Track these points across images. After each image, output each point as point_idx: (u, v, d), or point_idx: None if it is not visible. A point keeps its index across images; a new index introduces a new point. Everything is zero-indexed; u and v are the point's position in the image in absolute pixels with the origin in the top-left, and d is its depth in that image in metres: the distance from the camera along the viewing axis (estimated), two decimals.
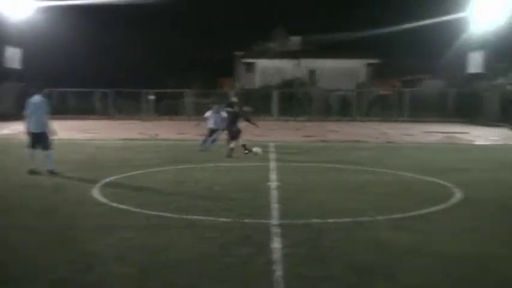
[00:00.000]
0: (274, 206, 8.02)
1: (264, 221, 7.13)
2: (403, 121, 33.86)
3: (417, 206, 8.00)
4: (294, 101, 37.37)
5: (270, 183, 10.14)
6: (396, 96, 38.12)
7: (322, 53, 43.31)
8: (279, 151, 15.80)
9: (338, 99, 38.65)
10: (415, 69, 44.01)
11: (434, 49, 41.16)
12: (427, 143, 19.95)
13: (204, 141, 16.25)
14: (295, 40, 48.12)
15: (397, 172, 11.78)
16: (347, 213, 7.52)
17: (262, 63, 44.49)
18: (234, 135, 14.59)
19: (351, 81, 40.59)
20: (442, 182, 10.39)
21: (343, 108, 37.80)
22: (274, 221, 7.12)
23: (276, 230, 6.60)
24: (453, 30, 36.24)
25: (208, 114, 16.53)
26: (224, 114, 15.93)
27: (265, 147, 16.10)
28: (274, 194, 9.01)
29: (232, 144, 14.36)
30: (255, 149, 14.16)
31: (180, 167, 12.53)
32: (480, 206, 8.31)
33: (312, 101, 37.77)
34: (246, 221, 7.12)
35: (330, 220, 7.15)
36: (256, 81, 43.17)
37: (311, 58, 43.07)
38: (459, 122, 32.64)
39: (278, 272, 5.12)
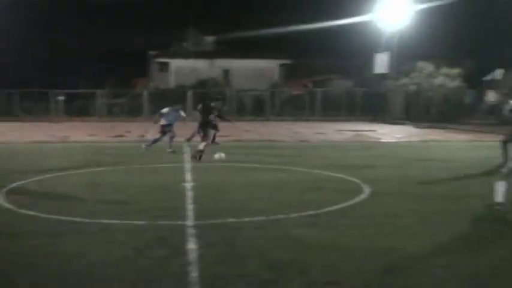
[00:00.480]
0: (190, 207, 8.01)
1: (179, 222, 7.10)
2: (315, 120, 34.79)
3: (329, 203, 8.27)
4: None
5: (185, 183, 10.10)
6: (308, 96, 39.14)
7: (236, 53, 43.61)
8: (193, 151, 15.69)
9: (252, 99, 39.09)
10: (326, 70, 45.40)
11: (344, 50, 42.73)
12: (338, 141, 20.65)
13: (155, 140, 16.04)
14: (210, 40, 48.11)
15: (310, 170, 12.11)
16: (262, 212, 7.65)
17: (176, 63, 44.08)
18: (206, 136, 14.12)
19: (264, 81, 41.16)
20: (352, 178, 10.80)
21: (257, 108, 38.28)
22: (190, 221, 7.11)
23: (191, 231, 6.60)
24: (361, 31, 37.77)
25: (165, 110, 16.16)
26: (183, 113, 16.06)
27: (180, 148, 15.99)
28: (189, 195, 8.99)
29: (201, 146, 13.85)
30: (217, 155, 13.39)
31: (91, 169, 12.18)
32: (387, 201, 8.74)
33: (226, 101, 37.91)
34: (160, 222, 7.06)
35: (246, 219, 7.25)
36: (171, 81, 42.71)
37: (225, 58, 43.26)
38: (367, 121, 33.99)
39: (194, 272, 5.13)
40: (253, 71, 42.64)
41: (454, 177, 11.43)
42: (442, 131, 26.32)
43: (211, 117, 14.73)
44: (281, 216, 7.44)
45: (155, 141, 16.13)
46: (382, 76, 37.45)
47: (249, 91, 39.43)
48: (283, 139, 21.18)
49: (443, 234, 6.65)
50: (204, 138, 14.12)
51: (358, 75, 41.26)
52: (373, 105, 36.17)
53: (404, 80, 34.65)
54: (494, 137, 22.68)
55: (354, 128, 26.86)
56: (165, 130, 15.92)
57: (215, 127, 15.53)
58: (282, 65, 45.67)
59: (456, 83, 33.63)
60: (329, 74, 45.27)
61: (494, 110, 33.78)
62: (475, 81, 34.45)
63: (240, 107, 38.09)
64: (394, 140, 21.37)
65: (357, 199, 8.74)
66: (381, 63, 37.73)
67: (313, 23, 39.19)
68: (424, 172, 12.14)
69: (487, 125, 28.11)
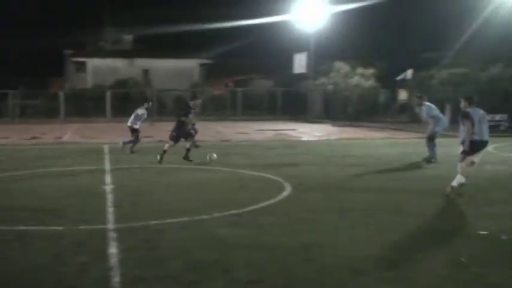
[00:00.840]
0: (110, 210, 7.84)
1: (99, 226, 6.93)
2: (237, 120, 34.97)
3: (251, 202, 8.36)
4: (128, 101, 36.58)
5: (105, 186, 9.87)
6: (229, 96, 39.30)
7: (155, 52, 43.02)
8: (113, 153, 15.39)
9: (173, 99, 38.72)
10: (247, 69, 45.70)
11: (264, 50, 43.28)
12: (259, 140, 20.88)
13: (134, 142, 15.66)
14: (128, 39, 47.13)
15: (232, 170, 12.19)
16: (185, 213, 7.62)
17: (93, 62, 42.80)
18: (186, 135, 13.66)
19: (185, 81, 40.89)
20: (274, 177, 10.98)
21: (178, 108, 37.91)
22: (110, 225, 6.97)
23: (112, 235, 6.47)
24: (281, 31, 38.42)
25: (141, 111, 15.96)
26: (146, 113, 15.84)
27: (99, 150, 15.59)
28: (109, 198, 8.80)
29: (188, 145, 13.54)
30: (208, 156, 13.29)
31: (4, 174, 11.62)
32: (308, 198, 8.97)
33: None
34: (80, 227, 6.87)
35: (168, 220, 7.20)
36: (89, 81, 41.45)
37: (145, 58, 42.55)
38: (287, 120, 34.60)
39: (115, 277, 5.04)
40: (173, 70, 42.25)
41: (371, 173, 11.90)
42: (358, 129, 27.27)
43: (188, 117, 13.96)
44: (204, 216, 7.45)
45: (131, 142, 15.73)
46: (302, 76, 38.26)
47: (169, 91, 39.02)
48: (205, 139, 21.12)
49: (363, 228, 6.93)
50: (171, 137, 13.67)
51: (278, 74, 41.89)
52: (294, 105, 36.87)
53: (323, 80, 35.58)
54: (406, 134, 23.85)
55: (275, 127, 27.25)
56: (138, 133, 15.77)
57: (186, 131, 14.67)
58: (202, 65, 45.53)
59: (370, 83, 34.99)
60: (250, 73, 45.62)
61: (406, 108, 35.48)
62: (388, 81, 35.96)
63: (161, 107, 37.60)
64: (314, 139, 21.89)
65: (279, 197, 8.90)
66: (300, 63, 38.53)
67: (229, 21, 39.37)
68: (343, 169, 12.54)
69: (399, 123, 29.46)
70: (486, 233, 6.66)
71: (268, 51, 42.77)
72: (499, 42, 28.86)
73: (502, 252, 5.94)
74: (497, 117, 27.54)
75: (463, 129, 9.15)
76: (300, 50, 38.26)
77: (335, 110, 35.45)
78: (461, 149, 9.27)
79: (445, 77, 30.32)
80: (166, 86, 38.93)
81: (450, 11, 32.79)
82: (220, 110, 37.40)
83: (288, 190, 9.50)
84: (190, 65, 44.60)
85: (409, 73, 35.23)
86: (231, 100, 38.44)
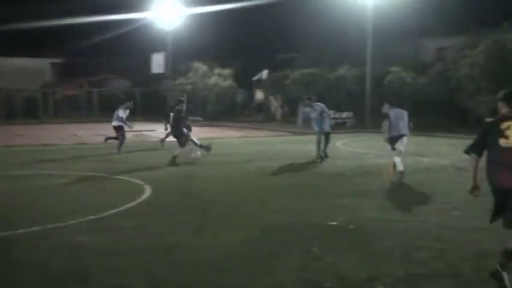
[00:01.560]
0: None
1: None
2: (93, 121, 33.66)
3: (111, 206, 8.14)
4: None
5: None
6: (85, 96, 37.76)
7: (3, 51, 39.90)
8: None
9: (23, 101, 36.26)
10: (102, 69, 44.23)
11: (121, 49, 42.12)
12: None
13: (120, 143, 15.60)
14: None
15: (91, 173, 11.74)
16: (38, 221, 7.19)
17: None
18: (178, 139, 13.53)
19: (36, 81, 38.52)
20: (134, 180, 10.78)
21: (29, 110, 35.66)
22: None
23: None
24: (139, 30, 37.70)
25: (121, 111, 15.64)
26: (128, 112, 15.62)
27: None
28: None
29: (176, 152, 13.18)
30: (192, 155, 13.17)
31: None
32: (169, 199, 8.95)
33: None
34: None
35: (19, 231, 6.76)
36: None
37: None
38: (147, 121, 34.05)
39: None
40: (22, 70, 39.56)
41: (232, 171, 12.18)
42: (218, 128, 27.69)
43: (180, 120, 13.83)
44: (60, 224, 7.11)
45: (118, 141, 15.97)
46: (160, 76, 37.92)
47: (18, 92, 36.46)
48: (60, 142, 20.11)
49: (225, 226, 7.09)
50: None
51: (136, 74, 41.13)
52: (153, 105, 36.40)
53: (181, 80, 35.60)
54: (262, 133, 24.73)
55: (135, 129, 26.63)
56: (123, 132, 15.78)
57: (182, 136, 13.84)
58: (53, 64, 43.24)
59: (228, 83, 35.76)
60: (106, 73, 44.21)
61: (262, 108, 36.82)
62: (245, 81, 37.00)
63: (10, 109, 35.06)
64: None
65: (139, 200, 8.77)
66: (158, 62, 38.20)
67: (83, 16, 37.68)
68: (204, 168, 12.68)
69: (256, 122, 30.46)
70: (336, 223, 7.17)
71: (125, 51, 41.72)
72: (346, 45, 31.03)
73: (350, 241, 6.43)
74: (344, 114, 29.65)
75: (384, 127, 11.05)
76: (157, 49, 37.89)
77: (195, 109, 35.62)
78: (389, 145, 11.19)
79: (297, 77, 31.91)
80: (15, 87, 36.31)
81: (303, 15, 34.61)
82: (74, 111, 35.81)
83: (148, 193, 9.39)
84: (41, 64, 42.13)
85: (264, 73, 36.58)
86: (86, 101, 36.97)
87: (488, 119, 5.34)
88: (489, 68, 23.84)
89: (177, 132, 13.82)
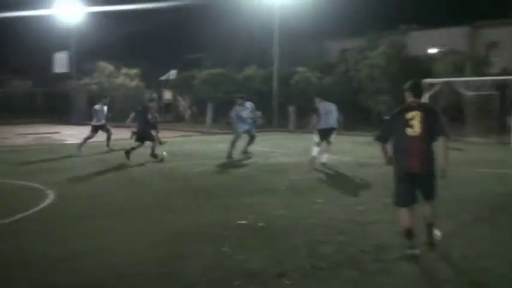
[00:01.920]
0: None
1: None
2: None
3: (10, 213, 7.70)
4: None
5: None
6: None
7: None
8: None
9: None
10: (1, 69, 41.99)
11: (20, 47, 40.06)
12: (20, 145, 19.39)
13: (81, 144, 15.10)
14: None
15: None
16: None
17: None
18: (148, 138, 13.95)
19: None
20: (35, 184, 10.28)
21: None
22: None
23: None
24: (39, 27, 35.99)
25: (98, 107, 15.28)
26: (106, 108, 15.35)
27: None
28: None
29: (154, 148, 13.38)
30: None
31: None
32: (73, 204, 8.64)
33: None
34: None
35: None
36: None
37: None
38: (50, 122, 32.72)
39: None
40: None
41: (141, 174, 11.99)
42: (127, 129, 26.97)
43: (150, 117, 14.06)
44: None
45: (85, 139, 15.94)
46: (64, 75, 36.53)
47: None
48: None
49: (131, 230, 6.96)
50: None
51: (38, 74, 39.35)
52: (56, 106, 35.03)
53: (86, 80, 34.54)
54: (173, 133, 24.51)
55: (37, 131, 25.55)
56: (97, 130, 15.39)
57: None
58: None
59: (135, 83, 35.15)
60: (5, 73, 41.94)
61: (171, 108, 36.52)
62: (152, 81, 36.54)
63: None
64: (79, 142, 21.03)
65: (41, 206, 8.38)
66: (61, 61, 36.77)
67: None
68: (113, 171, 12.39)
69: (165, 122, 30.08)
70: (245, 222, 7.28)
71: (24, 49, 39.73)
72: (253, 45, 31.48)
73: (260, 239, 6.55)
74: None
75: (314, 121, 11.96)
76: (60, 48, 36.43)
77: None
78: (316, 138, 12.04)
79: (205, 77, 31.96)
80: None
81: (211, 15, 34.72)
82: None
83: (50, 198, 8.99)
84: None
85: (172, 73, 36.32)
86: None
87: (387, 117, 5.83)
88: (388, 69, 25.15)
89: (146, 134, 14.24)
